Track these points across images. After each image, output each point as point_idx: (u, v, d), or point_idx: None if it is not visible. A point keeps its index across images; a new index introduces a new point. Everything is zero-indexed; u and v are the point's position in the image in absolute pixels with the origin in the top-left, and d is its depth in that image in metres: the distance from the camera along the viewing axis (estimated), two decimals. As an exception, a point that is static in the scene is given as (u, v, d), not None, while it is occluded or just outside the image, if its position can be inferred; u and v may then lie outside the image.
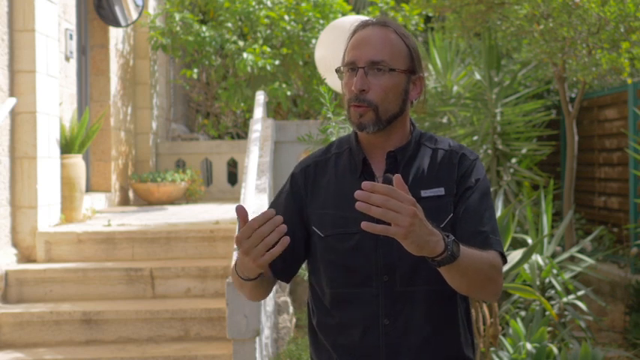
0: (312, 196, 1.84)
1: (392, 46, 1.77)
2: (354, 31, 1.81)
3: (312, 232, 1.82)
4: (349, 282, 1.77)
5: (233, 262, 1.86)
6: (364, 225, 1.46)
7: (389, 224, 1.47)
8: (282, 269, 1.84)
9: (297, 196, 1.86)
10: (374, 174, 1.79)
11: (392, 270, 1.74)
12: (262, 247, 1.55)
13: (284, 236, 1.55)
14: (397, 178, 1.50)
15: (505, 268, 4.42)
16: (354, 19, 6.60)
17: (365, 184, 1.46)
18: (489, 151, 7.45)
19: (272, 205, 1.89)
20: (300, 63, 9.01)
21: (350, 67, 1.77)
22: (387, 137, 1.80)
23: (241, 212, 1.57)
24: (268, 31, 9.01)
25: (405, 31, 1.82)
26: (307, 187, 1.85)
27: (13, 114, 5.57)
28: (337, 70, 1.81)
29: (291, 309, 5.85)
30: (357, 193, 1.46)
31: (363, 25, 1.81)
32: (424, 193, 1.75)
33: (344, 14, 9.08)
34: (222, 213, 7.03)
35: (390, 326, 1.74)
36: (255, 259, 1.57)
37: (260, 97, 7.03)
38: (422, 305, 1.75)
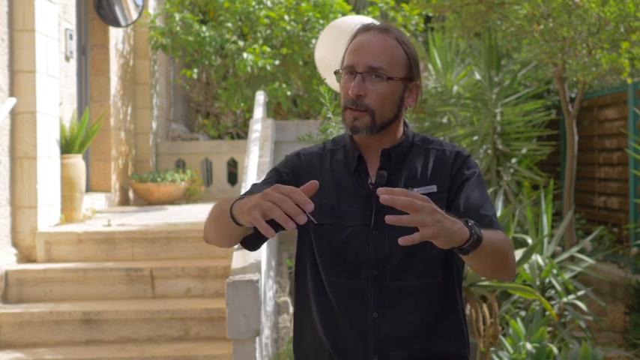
0: (307, 181, 1.83)
1: (391, 53, 1.79)
2: (355, 35, 1.83)
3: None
4: (341, 271, 1.80)
5: (234, 202, 1.70)
6: (402, 240, 1.44)
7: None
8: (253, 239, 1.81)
9: (296, 173, 1.87)
10: (367, 171, 1.83)
11: (382, 264, 1.77)
12: (273, 211, 1.47)
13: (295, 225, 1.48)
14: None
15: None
16: (354, 19, 6.60)
17: (381, 191, 1.43)
18: (489, 151, 7.45)
19: (267, 176, 1.90)
20: (300, 63, 9.01)
21: (348, 70, 1.80)
22: (381, 139, 1.83)
23: (310, 187, 1.51)
24: (268, 31, 9.01)
25: (406, 37, 1.84)
26: (302, 171, 1.87)
27: (13, 114, 5.57)
28: (336, 73, 1.84)
29: (291, 309, 5.85)
30: (383, 198, 1.42)
31: (365, 30, 1.83)
32: (417, 191, 1.77)
33: (344, 14, 9.08)
34: (222, 213, 7.02)
35: (379, 319, 1.77)
36: (259, 214, 1.48)
37: (260, 97, 7.03)
38: (411, 300, 1.77)
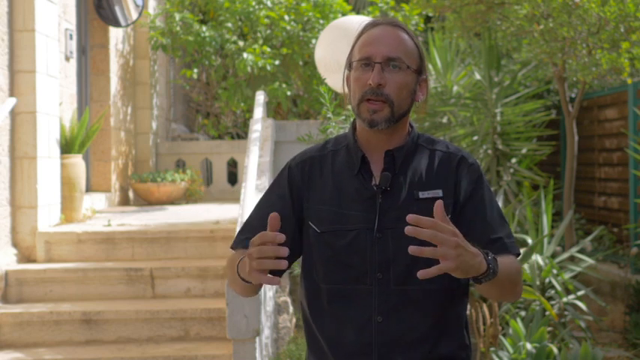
0: (310, 191, 1.84)
1: (405, 45, 1.79)
2: (364, 30, 1.82)
3: (307, 226, 1.81)
4: (344, 278, 1.77)
5: (233, 259, 1.81)
6: (421, 274, 1.51)
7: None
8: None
9: (293, 190, 1.85)
10: (371, 172, 1.80)
11: (386, 268, 1.75)
12: (262, 265, 1.54)
13: (276, 276, 1.59)
14: (438, 205, 1.52)
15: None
16: (354, 19, 6.60)
17: (410, 217, 1.49)
18: (489, 151, 7.45)
19: (264, 200, 1.90)
20: (300, 63, 9.01)
21: (365, 62, 1.77)
22: (389, 137, 1.80)
23: (272, 221, 1.57)
24: (268, 31, 9.01)
25: (412, 32, 1.85)
26: (304, 181, 1.85)
27: (13, 114, 5.57)
28: (349, 67, 1.81)
29: (291, 309, 5.85)
30: (408, 229, 1.49)
31: (374, 25, 1.82)
32: (422, 195, 1.76)
33: (344, 14, 9.08)
34: (222, 213, 7.03)
35: (384, 324, 1.75)
36: (251, 269, 1.56)
37: (260, 97, 7.03)
38: (416, 304, 1.75)
